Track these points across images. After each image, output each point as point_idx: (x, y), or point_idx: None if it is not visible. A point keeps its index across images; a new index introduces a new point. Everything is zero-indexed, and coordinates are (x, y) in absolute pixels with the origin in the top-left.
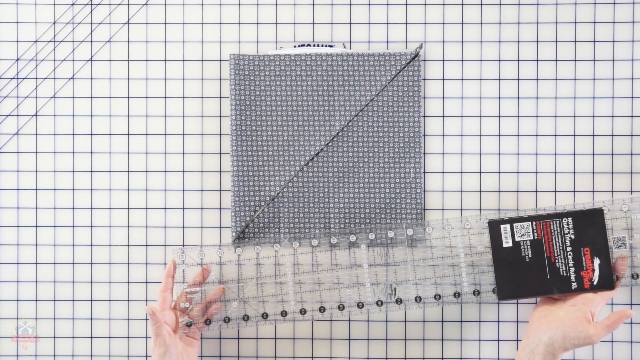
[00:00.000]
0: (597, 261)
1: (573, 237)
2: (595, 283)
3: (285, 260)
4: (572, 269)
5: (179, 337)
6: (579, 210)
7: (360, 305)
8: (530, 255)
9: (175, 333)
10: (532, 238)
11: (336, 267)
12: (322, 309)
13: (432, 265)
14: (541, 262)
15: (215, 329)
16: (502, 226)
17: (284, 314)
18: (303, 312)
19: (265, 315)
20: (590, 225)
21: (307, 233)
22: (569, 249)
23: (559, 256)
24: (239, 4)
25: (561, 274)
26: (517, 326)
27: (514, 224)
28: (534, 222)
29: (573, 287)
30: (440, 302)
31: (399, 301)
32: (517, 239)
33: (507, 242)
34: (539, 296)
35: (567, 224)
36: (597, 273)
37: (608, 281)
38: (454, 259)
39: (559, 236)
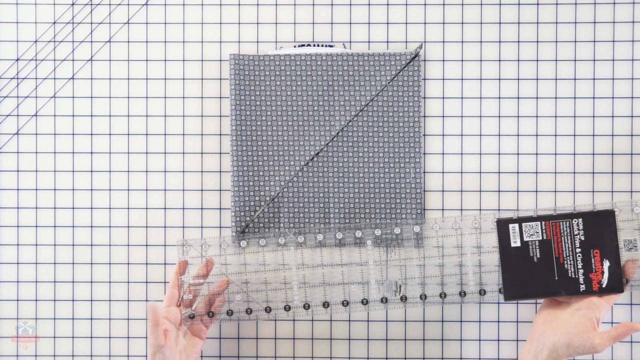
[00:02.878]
0: (606, 263)
1: (583, 238)
2: (604, 286)
3: (290, 255)
4: (581, 271)
5: (182, 335)
6: (589, 212)
7: (364, 302)
8: (538, 256)
9: (179, 330)
10: (541, 238)
11: (341, 264)
12: (325, 305)
13: (439, 265)
14: (549, 263)
15: (217, 321)
16: (510, 225)
17: (287, 308)
18: (307, 307)
19: (268, 309)
20: (601, 227)
21: (312, 227)
22: (578, 250)
23: (568, 257)
24: (239, 4)
25: (569, 275)
26: (517, 326)
27: (523, 224)
28: (543, 222)
29: (581, 289)
30: (444, 301)
31: (403, 299)
32: (525, 238)
33: (515, 242)
34: (546, 297)
35: (577, 224)
36: (606, 276)
37: (617, 284)
38: (460, 258)
39: (569, 237)
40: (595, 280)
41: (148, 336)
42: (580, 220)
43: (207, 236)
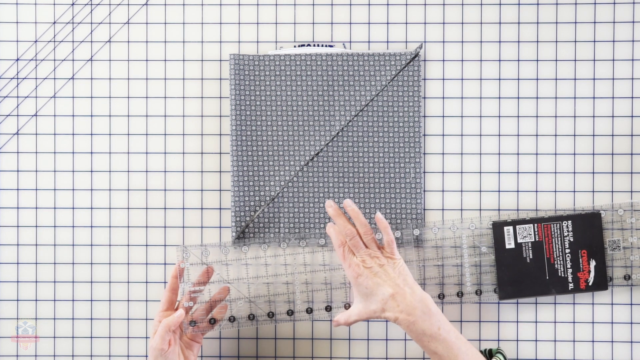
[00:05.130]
0: (593, 263)
1: (572, 239)
2: (590, 284)
3: (292, 258)
4: (570, 270)
5: (178, 338)
6: (577, 214)
7: None
8: (531, 257)
9: (175, 334)
10: (533, 240)
11: (341, 267)
12: (328, 308)
13: (438, 266)
14: (541, 263)
15: (219, 328)
16: (505, 228)
17: (289, 312)
18: (309, 310)
19: (271, 315)
20: (588, 229)
21: (313, 229)
22: (567, 250)
23: (558, 258)
24: (239, 4)
25: (559, 275)
26: (517, 326)
27: (517, 226)
28: (535, 225)
29: (570, 288)
30: (443, 302)
31: None
32: (519, 240)
33: (509, 244)
34: (538, 296)
35: (567, 226)
36: (592, 274)
37: (602, 282)
38: (458, 259)
39: (559, 238)
40: (582, 279)
41: (154, 338)
42: (569, 222)
43: (209, 241)
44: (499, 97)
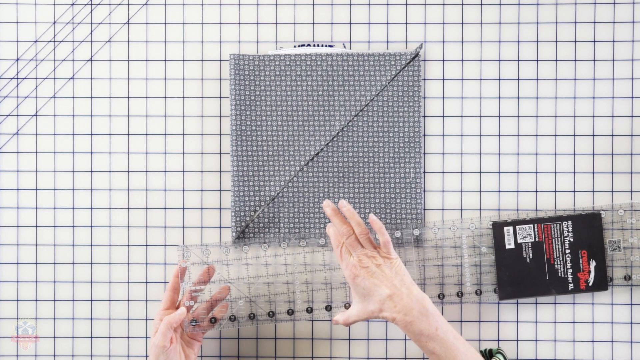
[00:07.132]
0: (593, 263)
1: (572, 239)
2: (590, 284)
3: (292, 258)
4: (570, 271)
5: (179, 337)
6: (578, 214)
7: None
8: (531, 257)
9: (177, 332)
10: (533, 240)
11: (340, 266)
12: (328, 308)
13: (438, 266)
14: (541, 263)
15: (220, 327)
16: (505, 228)
17: (290, 312)
18: (309, 310)
19: (271, 314)
20: (588, 229)
21: (313, 229)
22: (567, 251)
23: (558, 258)
24: (239, 4)
25: (559, 275)
26: (517, 326)
27: (517, 226)
28: (535, 225)
29: (570, 288)
30: (443, 302)
31: None
32: (519, 240)
33: (509, 244)
34: (538, 296)
35: (567, 227)
36: (592, 275)
37: (602, 282)
38: (458, 259)
39: (559, 239)
40: (582, 279)
41: (156, 335)
42: (569, 222)
43: (209, 241)
44: (499, 97)
